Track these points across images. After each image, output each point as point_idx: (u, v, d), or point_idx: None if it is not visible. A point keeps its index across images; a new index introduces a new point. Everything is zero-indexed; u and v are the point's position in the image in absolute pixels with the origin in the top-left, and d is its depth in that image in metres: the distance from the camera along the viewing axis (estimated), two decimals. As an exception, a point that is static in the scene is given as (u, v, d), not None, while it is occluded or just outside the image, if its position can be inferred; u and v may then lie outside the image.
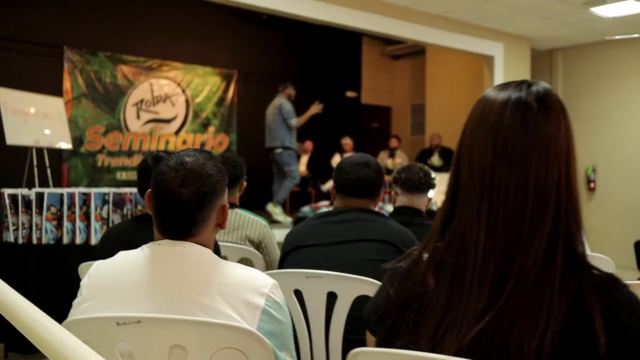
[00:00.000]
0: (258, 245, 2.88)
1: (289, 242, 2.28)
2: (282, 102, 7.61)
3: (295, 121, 7.51)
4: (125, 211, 4.12)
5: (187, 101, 9.75)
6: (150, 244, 1.46)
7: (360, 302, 1.84)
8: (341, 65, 11.64)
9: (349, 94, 11.76)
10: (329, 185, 9.22)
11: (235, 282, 1.37)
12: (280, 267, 2.29)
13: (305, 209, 5.81)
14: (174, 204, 1.41)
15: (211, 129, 10.00)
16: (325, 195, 9.51)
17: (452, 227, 1.02)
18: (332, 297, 1.86)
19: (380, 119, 12.42)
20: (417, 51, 11.94)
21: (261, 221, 3.00)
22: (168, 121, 9.60)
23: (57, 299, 3.65)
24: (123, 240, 2.18)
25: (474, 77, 9.71)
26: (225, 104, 10.16)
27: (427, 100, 10.69)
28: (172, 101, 9.61)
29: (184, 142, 9.73)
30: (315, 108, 7.68)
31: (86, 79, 8.66)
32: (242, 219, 2.90)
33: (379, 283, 1.89)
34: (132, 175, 9.28)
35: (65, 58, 8.45)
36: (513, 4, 7.47)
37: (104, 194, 3.82)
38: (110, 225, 3.92)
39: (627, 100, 9.04)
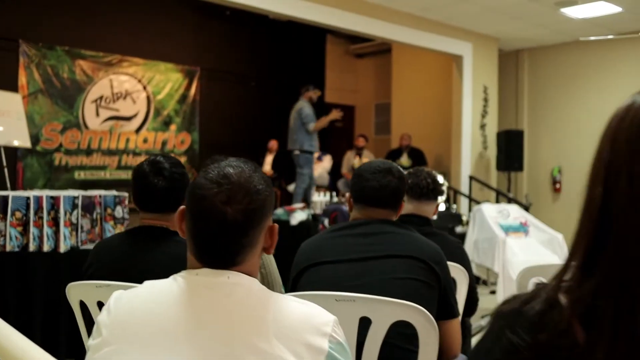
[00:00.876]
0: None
1: (303, 258, 2.05)
2: (302, 105, 7.57)
3: (312, 125, 7.44)
4: (94, 215, 3.84)
5: (148, 98, 9.39)
6: (184, 273, 1.21)
7: (396, 328, 1.65)
8: (305, 63, 11.44)
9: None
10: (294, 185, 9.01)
11: (293, 321, 1.14)
12: (293, 287, 2.04)
13: (279, 211, 5.59)
14: (218, 225, 1.17)
15: (173, 127, 9.66)
16: (291, 196, 9.30)
17: (606, 262, 0.79)
18: (364, 323, 1.67)
19: (344, 119, 12.25)
20: (382, 50, 11.85)
21: None
22: (128, 119, 9.23)
23: (22, 309, 3.35)
24: (116, 256, 1.94)
25: (442, 77, 9.67)
26: (187, 101, 9.83)
27: (393, 99, 10.60)
28: (132, 98, 9.24)
29: (145, 140, 9.37)
30: (335, 114, 7.55)
31: (43, 74, 8.22)
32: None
33: (421, 308, 1.72)
34: (91, 175, 8.87)
35: (20, 52, 8.00)
36: (485, 3, 7.43)
37: (74, 197, 3.53)
38: (80, 231, 3.64)
39: (592, 101, 9.14)
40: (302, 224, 5.20)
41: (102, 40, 8.90)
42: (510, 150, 8.41)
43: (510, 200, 8.29)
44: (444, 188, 2.72)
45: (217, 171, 1.22)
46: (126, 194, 4.24)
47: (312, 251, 2.03)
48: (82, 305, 1.86)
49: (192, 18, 9.86)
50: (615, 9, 7.57)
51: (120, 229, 4.13)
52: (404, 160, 9.10)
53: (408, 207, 2.60)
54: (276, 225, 1.28)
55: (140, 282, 1.76)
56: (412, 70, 10.26)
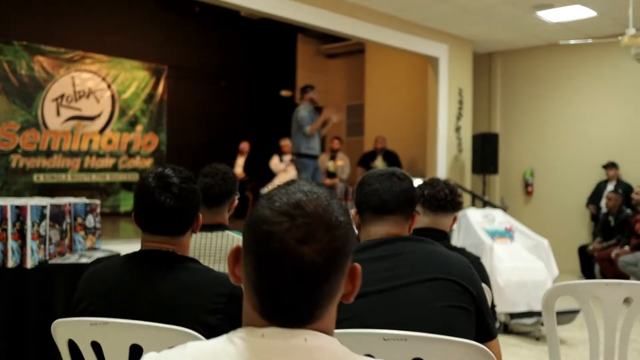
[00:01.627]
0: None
1: None
2: (299, 108, 7.41)
3: (308, 128, 7.21)
4: (64, 226, 3.52)
5: (112, 97, 9.00)
6: (244, 334, 0.93)
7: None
8: (276, 63, 11.20)
9: (284, 93, 11.33)
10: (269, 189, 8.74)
11: None
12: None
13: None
14: (293, 270, 0.90)
15: (139, 127, 9.29)
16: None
17: None
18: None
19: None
20: (353, 50, 11.67)
21: None
22: (92, 119, 8.82)
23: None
24: (115, 286, 1.64)
25: (416, 78, 9.54)
26: (154, 100, 9.47)
27: (367, 101, 10.42)
28: (96, 97, 8.84)
29: (109, 141, 8.98)
30: (329, 112, 7.34)
31: (-1, 70, 7.79)
32: (234, 243, 2.42)
33: (482, 347, 1.51)
34: (51, 178, 8.44)
35: (-25, 46, 7.56)
36: (463, 5, 7.30)
37: (42, 207, 3.21)
38: (48, 243, 3.32)
39: (565, 104, 9.14)
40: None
41: (64, 35, 8.50)
42: (485, 153, 8.33)
43: (485, 204, 8.20)
44: (461, 199, 2.50)
45: (285, 199, 0.94)
46: (98, 202, 3.93)
47: None
48: (71, 345, 1.58)
49: (160, 14, 9.52)
50: (590, 13, 7.54)
51: (91, 239, 3.82)
52: (379, 163, 8.93)
53: (424, 220, 2.39)
54: (358, 266, 1.00)
55: (146, 317, 1.50)
56: (386, 72, 10.11)
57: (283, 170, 8.98)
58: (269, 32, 10.84)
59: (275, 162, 9.09)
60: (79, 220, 3.73)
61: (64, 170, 8.56)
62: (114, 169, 9.01)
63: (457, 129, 8.88)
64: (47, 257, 3.32)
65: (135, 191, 1.71)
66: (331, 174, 8.99)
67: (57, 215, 3.45)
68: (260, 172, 9.38)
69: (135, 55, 9.25)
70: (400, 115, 9.72)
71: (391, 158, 8.95)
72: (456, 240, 5.36)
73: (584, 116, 8.97)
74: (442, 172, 8.59)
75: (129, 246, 5.00)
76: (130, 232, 8.04)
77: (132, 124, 9.21)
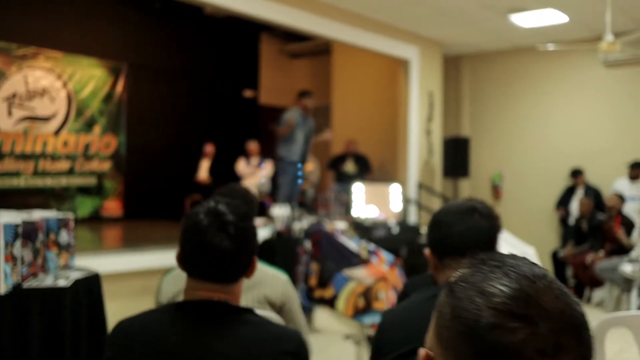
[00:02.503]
0: (280, 308, 2.14)
1: (397, 335, 1.53)
2: (288, 111, 7.39)
3: (278, 128, 7.12)
4: (37, 244, 3.17)
5: (68, 96, 8.51)
6: None
7: None
8: (239, 62, 10.87)
9: (247, 93, 11.02)
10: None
11: None
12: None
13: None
14: None
15: (97, 128, 8.82)
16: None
17: None
18: None
19: (279, 121, 11.76)
20: (319, 50, 11.44)
21: (282, 276, 2.28)
22: (46, 119, 8.31)
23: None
24: (158, 344, 1.32)
25: (386, 80, 9.38)
26: (113, 100, 9.01)
27: (334, 102, 10.21)
28: (50, 96, 8.34)
29: (65, 143, 8.48)
30: (326, 135, 7.30)
31: (-53, 67, 7.23)
32: (258, 273, 2.14)
33: None
34: (2, 183, 7.90)
35: None
36: (437, 7, 7.18)
37: (15, 225, 2.86)
38: (21, 266, 2.97)
39: (532, 108, 9.16)
40: (266, 243, 4.68)
41: (15, 30, 7.97)
42: (457, 157, 8.24)
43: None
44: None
45: (504, 289, 0.66)
46: (71, 215, 3.58)
47: (413, 326, 1.54)
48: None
49: (119, 9, 9.07)
50: (562, 18, 7.54)
51: (65, 257, 3.47)
52: (349, 166, 8.73)
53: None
54: None
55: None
56: (354, 73, 9.92)
57: (250, 174, 8.68)
58: (232, 31, 10.51)
59: (242, 166, 8.79)
60: (52, 236, 3.38)
61: (16, 174, 8.03)
62: (70, 172, 8.52)
63: (428, 133, 8.77)
64: (20, 280, 2.97)
65: (183, 228, 1.43)
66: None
67: (30, 233, 3.10)
68: (225, 175, 9.03)
69: (93, 52, 8.78)
70: (369, 118, 9.54)
71: (361, 162, 8.76)
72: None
73: (551, 120, 9.00)
74: (413, 175, 8.46)
75: (100, 260, 4.63)
76: (86, 241, 7.59)
77: (89, 125, 8.73)
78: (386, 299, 3.31)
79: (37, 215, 3.33)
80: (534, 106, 9.14)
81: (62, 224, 3.49)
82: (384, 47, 7.92)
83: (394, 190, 6.50)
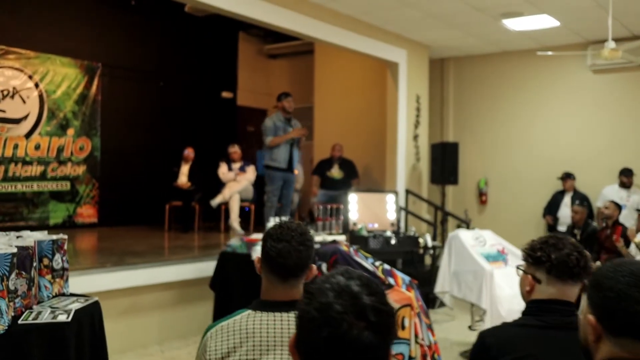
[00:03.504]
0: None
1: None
2: (268, 116, 7.14)
3: (269, 139, 6.64)
4: (32, 273, 2.85)
5: (41, 97, 8.06)
6: None
7: None
8: (217, 62, 10.53)
9: (225, 94, 10.69)
10: (219, 200, 8.12)
11: None
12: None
13: (234, 242, 4.75)
14: None
15: (70, 131, 8.39)
16: (215, 213, 8.39)
17: None
18: None
19: (257, 123, 11.45)
20: (298, 51, 11.19)
21: None
22: (17, 121, 7.86)
23: None
24: None
25: (372, 83, 9.18)
26: (87, 102, 8.59)
27: (316, 104, 9.96)
28: (22, 97, 7.89)
29: (37, 147, 8.04)
30: (298, 132, 6.64)
31: None
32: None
33: None
34: (-30, 189, 7.43)
35: None
36: (431, 10, 7.00)
37: (11, 254, 2.54)
38: (15, 297, 2.65)
39: (518, 113, 9.07)
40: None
41: (-16, 28, 7.51)
42: (446, 162, 8.08)
43: (445, 215, 7.97)
44: (591, 262, 2.02)
45: None
46: (65, 236, 3.26)
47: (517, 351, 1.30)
48: None
49: (93, 6, 8.66)
50: (554, 23, 7.45)
51: (59, 283, 3.15)
52: (335, 172, 8.51)
53: (549, 290, 1.96)
54: None
55: None
56: (337, 75, 9.69)
57: (232, 179, 8.37)
58: (210, 31, 10.17)
59: (223, 171, 8.47)
60: (45, 261, 3.06)
61: (-15, 179, 7.56)
62: (43, 177, 8.08)
63: (415, 137, 8.60)
64: (14, 314, 2.65)
65: (303, 310, 1.12)
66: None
67: (24, 261, 2.78)
68: (205, 180, 8.71)
69: (66, 52, 8.34)
70: (353, 121, 9.33)
71: (348, 167, 8.54)
72: (446, 263, 5.01)
73: (538, 125, 8.92)
74: (401, 182, 8.28)
75: (90, 281, 4.30)
76: None
77: (62, 128, 8.29)
78: (412, 326, 3.08)
79: (30, 238, 3.01)
80: (520, 111, 9.06)
81: (56, 246, 3.17)
82: (372, 50, 7.71)
83: (389, 199, 6.29)
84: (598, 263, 6.51)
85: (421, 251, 6.24)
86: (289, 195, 6.85)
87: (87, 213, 8.59)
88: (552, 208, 8.47)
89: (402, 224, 7.79)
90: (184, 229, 8.00)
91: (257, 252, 4.51)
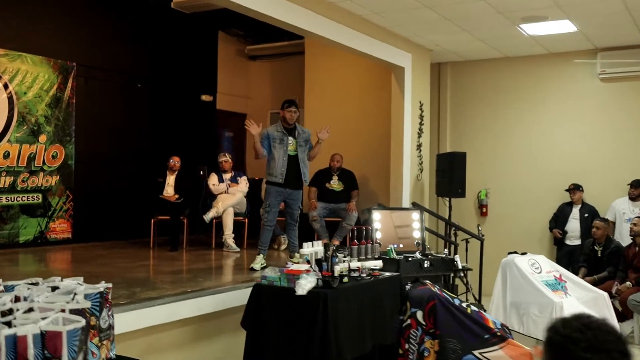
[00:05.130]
0: None
1: None
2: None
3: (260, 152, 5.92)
4: (87, 343, 2.18)
5: (10, 100, 7.19)
6: None
7: None
8: (197, 63, 9.80)
9: (204, 97, 9.96)
10: (213, 214, 7.43)
11: None
12: None
13: (270, 273, 4.10)
14: None
15: (42, 137, 7.53)
16: (206, 227, 7.70)
17: None
18: None
19: (236, 128, 10.77)
20: (281, 53, 10.59)
21: None
22: (-17, 127, 6.97)
23: None
24: None
25: (368, 87, 8.67)
26: (61, 105, 7.75)
27: (307, 109, 9.36)
28: (-12, 99, 6.99)
29: (6, 155, 7.16)
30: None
31: None
32: None
33: None
34: None
35: None
36: (449, 11, 6.54)
37: (81, 328, 1.88)
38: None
39: (522, 121, 8.74)
40: (312, 294, 3.82)
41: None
42: (453, 174, 7.63)
43: (451, 228, 7.53)
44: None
45: None
46: (109, 285, 2.61)
47: None
48: None
49: (67, 1, 7.82)
50: (571, 28, 7.12)
51: (106, 347, 2.49)
52: (335, 183, 7.95)
53: None
54: None
55: None
56: (331, 78, 9.12)
57: (224, 191, 7.70)
58: (190, 28, 9.45)
59: (214, 182, 7.79)
60: (92, 320, 2.39)
61: (-54, 192, 6.65)
62: (12, 189, 7.20)
63: (418, 147, 8.14)
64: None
65: None
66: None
67: (85, 329, 2.11)
68: (190, 191, 7.99)
69: (38, 50, 7.48)
70: (350, 129, 8.78)
71: (348, 178, 8.00)
72: (500, 293, 4.53)
73: (543, 135, 8.60)
74: (407, 194, 7.79)
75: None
76: (31, 266, 6.38)
77: (34, 134, 7.41)
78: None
79: (79, 295, 2.35)
80: (522, 118, 8.72)
81: (102, 299, 2.51)
82: (379, 53, 7.20)
83: (414, 217, 5.77)
84: (628, 284, 6.18)
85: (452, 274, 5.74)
86: (292, 214, 6.01)
87: (60, 228, 7.74)
88: (559, 221, 8.15)
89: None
90: (173, 247, 7.26)
91: (302, 287, 3.90)
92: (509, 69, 8.76)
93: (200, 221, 7.95)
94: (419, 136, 8.12)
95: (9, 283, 2.53)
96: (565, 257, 8.01)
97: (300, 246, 4.75)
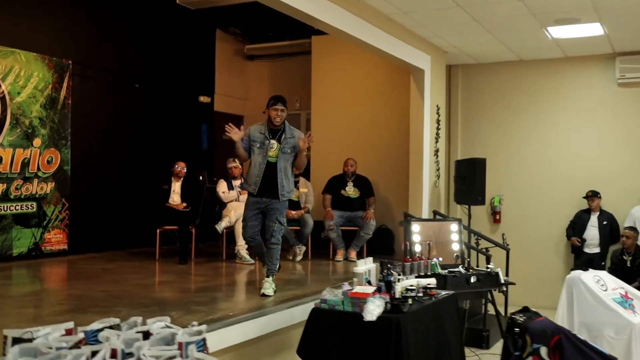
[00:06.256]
0: None
1: None
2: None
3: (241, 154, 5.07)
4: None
5: (3, 100, 6.61)
6: None
7: None
8: (194, 62, 9.32)
9: (203, 99, 9.48)
10: (225, 223, 6.97)
11: None
12: None
13: (329, 296, 3.69)
14: None
15: (37, 141, 6.96)
16: (214, 236, 7.25)
17: None
18: None
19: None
20: (281, 53, 10.16)
21: None
22: (-26, 129, 6.39)
23: None
24: None
25: (382, 90, 8.32)
26: (56, 106, 7.19)
27: (314, 112, 8.96)
28: (-21, 99, 6.42)
29: (-1, 160, 6.58)
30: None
31: None
32: None
33: None
34: None
35: None
36: (482, 11, 6.23)
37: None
38: None
39: (537, 126, 8.50)
40: (382, 320, 3.43)
41: None
42: (474, 180, 7.32)
43: (473, 234, 7.22)
44: None
45: None
46: (203, 327, 2.20)
47: None
48: None
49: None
50: (599, 32, 6.90)
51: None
52: (350, 190, 7.57)
53: None
54: None
55: None
56: (340, 80, 8.75)
57: (235, 199, 7.25)
58: (189, 26, 8.98)
59: (223, 189, 7.33)
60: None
61: None
62: (5, 197, 6.61)
63: (436, 152, 7.82)
64: None
65: None
66: (294, 204, 7.41)
67: None
68: (197, 198, 7.53)
69: (32, 46, 6.91)
70: (360, 133, 8.43)
71: (363, 184, 7.64)
72: (565, 313, 4.20)
73: (558, 140, 8.37)
74: (426, 202, 7.47)
75: None
76: (16, 279, 5.85)
77: (28, 137, 6.84)
78: None
79: (185, 343, 1.93)
80: (537, 123, 8.49)
81: (203, 344, 2.11)
82: (401, 53, 6.83)
83: (452, 228, 5.43)
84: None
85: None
86: (269, 227, 4.90)
87: (55, 239, 7.17)
88: (577, 228, 7.93)
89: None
90: (182, 259, 6.77)
91: (370, 313, 3.50)
92: (522, 72, 8.52)
93: (205, 231, 7.51)
94: (436, 141, 7.80)
95: (88, 328, 2.09)
96: (584, 265, 7.77)
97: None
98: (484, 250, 6.17)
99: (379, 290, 3.83)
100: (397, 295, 3.79)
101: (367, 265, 4.24)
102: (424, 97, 7.40)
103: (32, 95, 6.89)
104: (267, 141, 4.87)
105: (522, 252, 8.01)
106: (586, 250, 7.82)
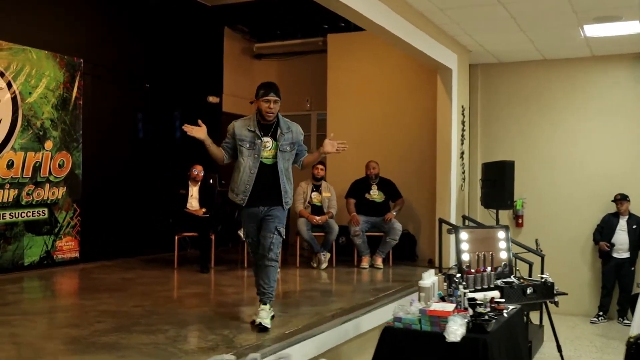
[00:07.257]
0: None
1: None
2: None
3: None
4: None
5: (14, 101, 6.22)
6: None
7: None
8: (203, 61, 8.99)
9: (211, 99, 9.13)
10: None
11: None
12: None
13: (407, 315, 3.38)
14: None
15: (48, 144, 6.59)
16: (243, 244, 6.92)
17: None
18: None
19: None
20: (291, 52, 9.86)
21: None
22: (-16, 132, 6.00)
23: None
24: None
25: (403, 89, 8.06)
26: (68, 107, 6.81)
27: (330, 112, 8.67)
28: (-11, 100, 6.03)
29: (10, 164, 6.19)
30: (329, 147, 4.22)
31: None
32: None
33: None
34: None
35: None
36: (516, 9, 5.98)
37: None
38: None
39: (561, 126, 8.28)
40: (467, 341, 3.14)
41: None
42: (504, 184, 7.08)
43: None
44: None
45: None
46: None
47: None
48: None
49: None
50: (636, 29, 6.69)
51: None
52: (375, 194, 7.29)
53: None
54: None
55: None
56: (357, 79, 8.47)
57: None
58: (197, 24, 8.65)
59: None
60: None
61: (-58, 209, 5.65)
62: (17, 203, 6.22)
63: (462, 154, 7.57)
64: None
65: None
66: (316, 208, 7.12)
67: None
68: (217, 205, 7.20)
69: (43, 44, 6.53)
70: (380, 134, 8.15)
71: (388, 187, 7.36)
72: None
73: (583, 141, 8.15)
74: (454, 206, 7.21)
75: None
76: (36, 293, 5.48)
77: (39, 139, 6.45)
78: None
79: None
80: (562, 124, 8.27)
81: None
82: (431, 51, 6.55)
83: (500, 235, 5.17)
84: None
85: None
86: (266, 239, 3.97)
87: (67, 247, 6.80)
88: (605, 233, 7.74)
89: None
90: (204, 268, 6.44)
91: (454, 334, 3.22)
92: (545, 71, 8.30)
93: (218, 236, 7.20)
94: (462, 143, 7.56)
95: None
96: (613, 270, 7.64)
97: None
98: (518, 256, 5.93)
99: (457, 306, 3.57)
100: (478, 312, 3.53)
101: (431, 279, 3.95)
102: (451, 97, 7.16)
103: (43, 96, 6.51)
104: (259, 140, 3.97)
105: (548, 257, 7.77)
106: (615, 255, 7.63)
